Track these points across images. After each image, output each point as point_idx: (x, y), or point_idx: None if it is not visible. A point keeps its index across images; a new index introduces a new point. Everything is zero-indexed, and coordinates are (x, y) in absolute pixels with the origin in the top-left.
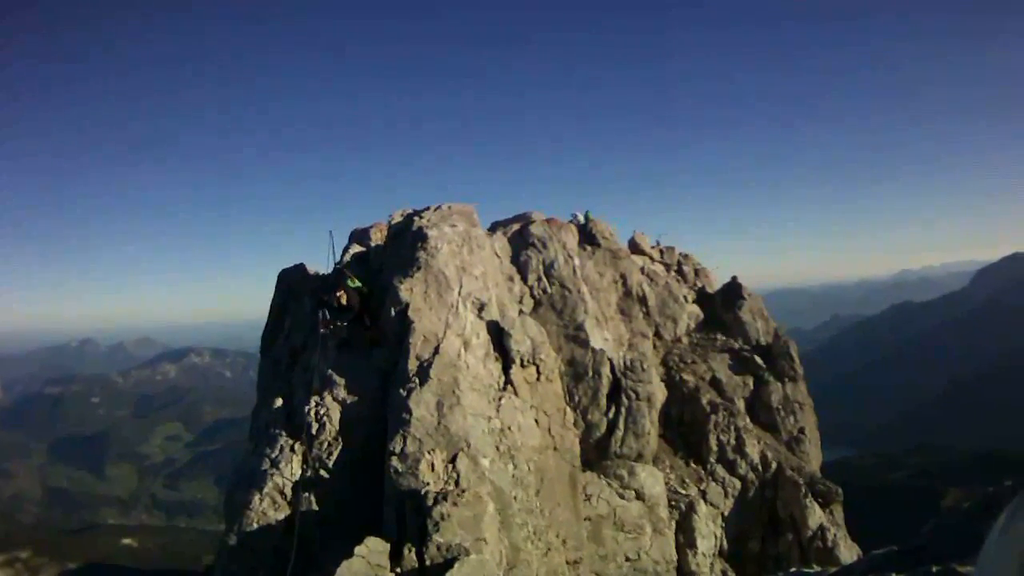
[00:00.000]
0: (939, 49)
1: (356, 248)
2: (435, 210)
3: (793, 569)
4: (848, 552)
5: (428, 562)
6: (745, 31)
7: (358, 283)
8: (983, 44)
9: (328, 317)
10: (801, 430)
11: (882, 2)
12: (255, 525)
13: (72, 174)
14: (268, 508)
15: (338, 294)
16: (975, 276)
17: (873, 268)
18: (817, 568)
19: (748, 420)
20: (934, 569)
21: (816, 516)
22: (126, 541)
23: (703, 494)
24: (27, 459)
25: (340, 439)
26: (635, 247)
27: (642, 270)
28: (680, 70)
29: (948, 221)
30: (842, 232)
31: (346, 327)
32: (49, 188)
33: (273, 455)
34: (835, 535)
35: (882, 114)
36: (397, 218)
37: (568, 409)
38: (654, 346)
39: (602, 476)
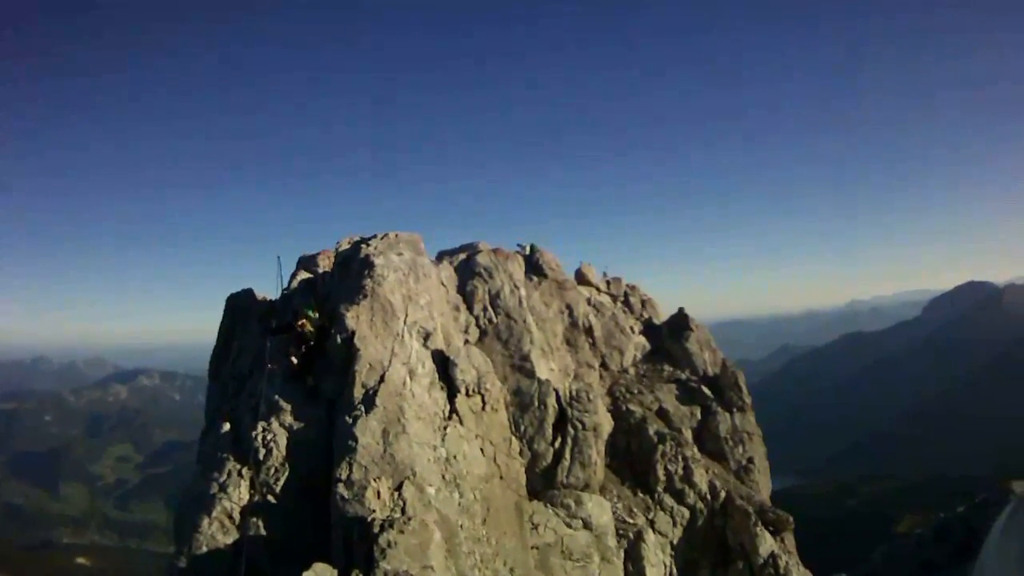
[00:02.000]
0: (882, 65)
1: (304, 274)
2: (382, 238)
3: None
4: None
5: None
6: (691, 45)
7: (316, 315)
8: (936, 60)
9: (279, 345)
10: (750, 459)
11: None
12: (204, 549)
13: (27, 191)
14: (217, 532)
15: (301, 323)
16: (927, 305)
17: (822, 298)
18: None
19: (696, 450)
20: None
21: (767, 544)
22: (80, 560)
23: (651, 523)
24: None
25: (287, 465)
26: (581, 278)
27: (588, 301)
28: (618, 94)
29: (900, 250)
30: (790, 262)
31: (304, 356)
32: (3, 204)
33: (221, 479)
34: (787, 563)
35: (831, 143)
36: (344, 245)
37: (514, 439)
38: (600, 377)
39: (549, 505)
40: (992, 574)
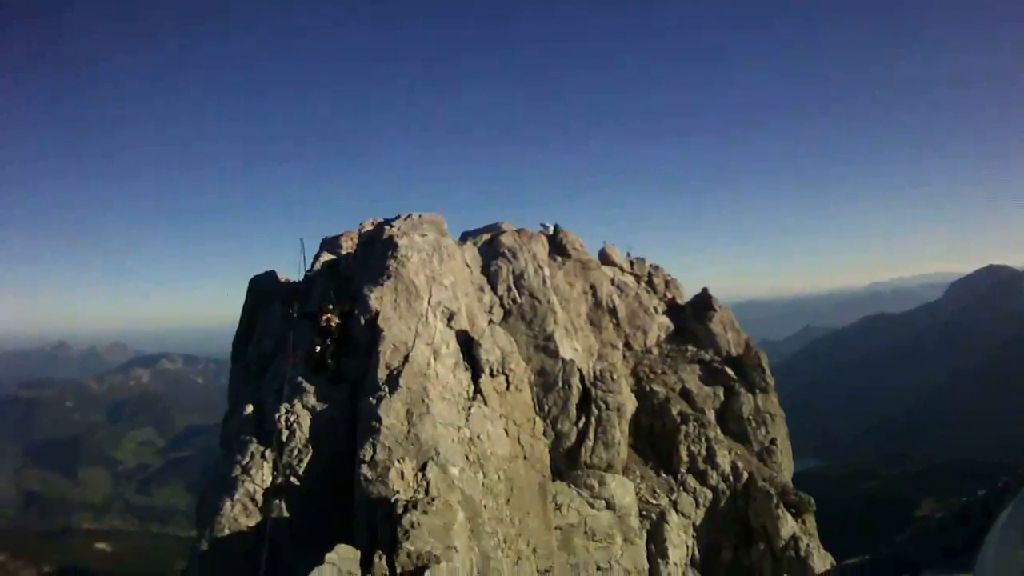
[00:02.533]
0: (911, 57)
1: (326, 256)
2: (405, 219)
3: None
4: (821, 562)
5: (399, 569)
6: (736, 33)
7: (336, 318)
8: (959, 52)
9: (302, 332)
10: (772, 441)
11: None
12: (227, 531)
13: (45, 178)
14: (239, 514)
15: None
16: (949, 288)
17: (845, 280)
18: None
19: (719, 431)
20: None
21: (788, 526)
22: (100, 546)
23: (674, 504)
24: (2, 461)
25: (310, 446)
26: (605, 258)
27: (612, 281)
28: (651, 77)
29: (922, 234)
30: (813, 244)
31: (327, 350)
32: (21, 191)
33: (244, 462)
34: (808, 545)
35: (857, 126)
36: (368, 226)
37: (538, 419)
38: (624, 357)
39: (572, 486)
40: (993, 572)
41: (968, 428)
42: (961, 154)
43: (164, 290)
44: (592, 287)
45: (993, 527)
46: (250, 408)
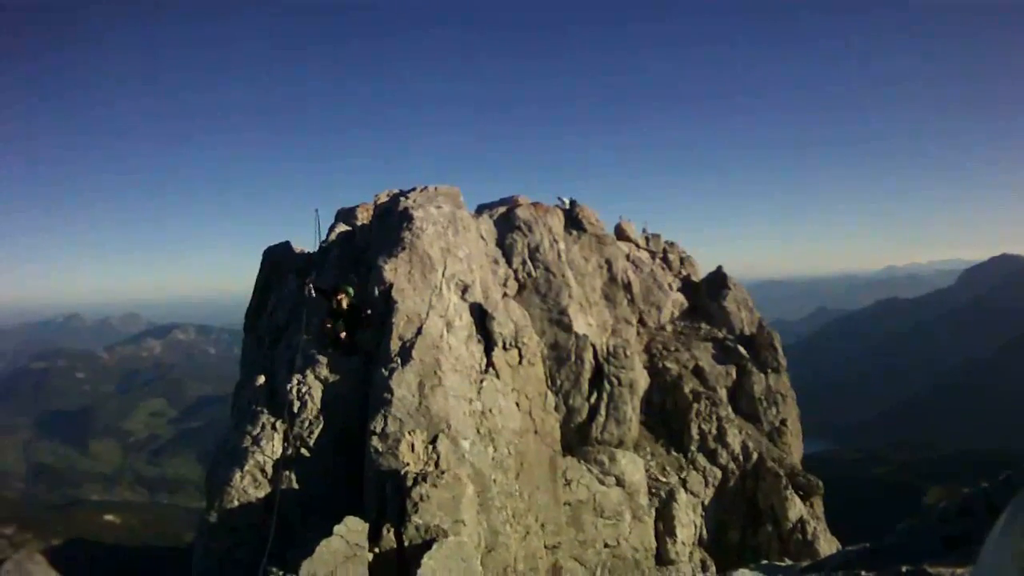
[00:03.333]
0: (932, 44)
1: (341, 227)
2: (421, 191)
3: (765, 561)
4: (828, 546)
5: (406, 543)
6: (746, 20)
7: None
8: (979, 41)
9: (316, 309)
10: (783, 422)
11: None
12: (236, 503)
13: (58, 149)
14: (249, 486)
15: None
16: (962, 275)
17: (859, 263)
18: (789, 562)
19: (730, 410)
20: (904, 569)
21: (796, 509)
22: (109, 517)
23: (683, 482)
24: (12, 434)
25: (322, 418)
26: (621, 234)
27: (627, 257)
28: (669, 57)
29: (937, 220)
30: (828, 225)
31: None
32: (35, 163)
33: (255, 433)
34: (815, 528)
35: (874, 109)
36: (383, 198)
37: (549, 393)
38: (638, 333)
39: (582, 461)
40: (992, 573)
41: (979, 417)
42: (982, 142)
43: (180, 261)
44: (607, 262)
45: (994, 526)
46: (262, 379)
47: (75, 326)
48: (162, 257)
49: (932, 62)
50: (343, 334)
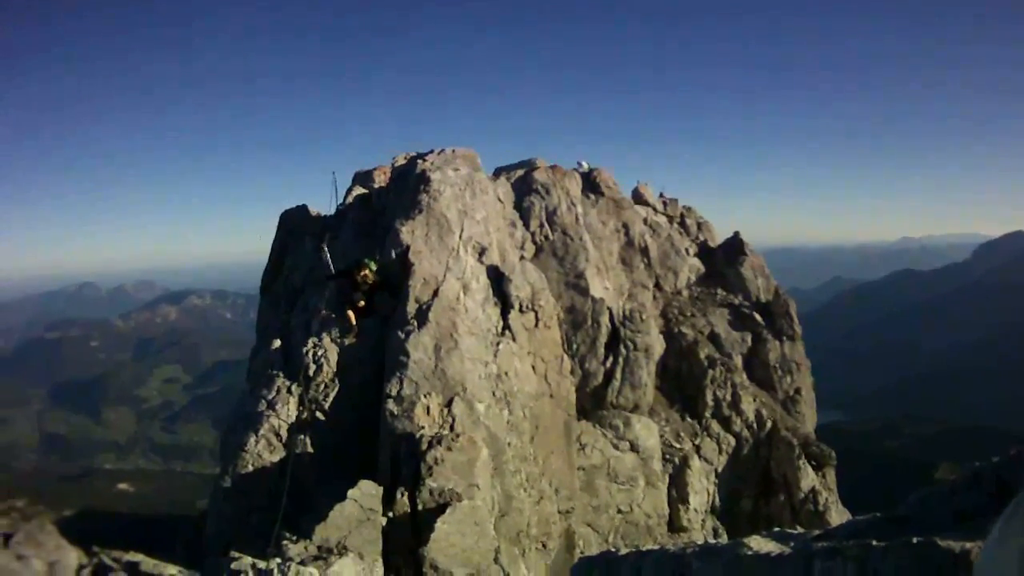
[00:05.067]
0: (950, 19)
1: (359, 190)
2: (438, 153)
3: (776, 528)
4: (839, 517)
5: (420, 507)
6: None
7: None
8: (998, 20)
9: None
10: (797, 390)
11: None
12: (250, 467)
13: (69, 115)
14: (263, 450)
15: (363, 274)
16: (977, 250)
17: (874, 233)
18: (801, 530)
19: (745, 377)
20: (914, 540)
21: (809, 478)
22: (122, 486)
23: (697, 449)
24: (25, 406)
25: (337, 381)
26: (638, 198)
27: (645, 221)
28: (685, 22)
29: (953, 193)
30: (844, 195)
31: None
32: (46, 130)
33: (270, 396)
34: (827, 499)
35: (897, 82)
36: (400, 161)
37: (565, 357)
38: (654, 297)
39: (597, 426)
40: (992, 574)
41: (991, 392)
42: (1001, 115)
43: (196, 227)
44: (624, 226)
45: (994, 526)
46: (278, 342)
47: (89, 295)
48: (178, 223)
49: (950, 32)
50: (361, 303)
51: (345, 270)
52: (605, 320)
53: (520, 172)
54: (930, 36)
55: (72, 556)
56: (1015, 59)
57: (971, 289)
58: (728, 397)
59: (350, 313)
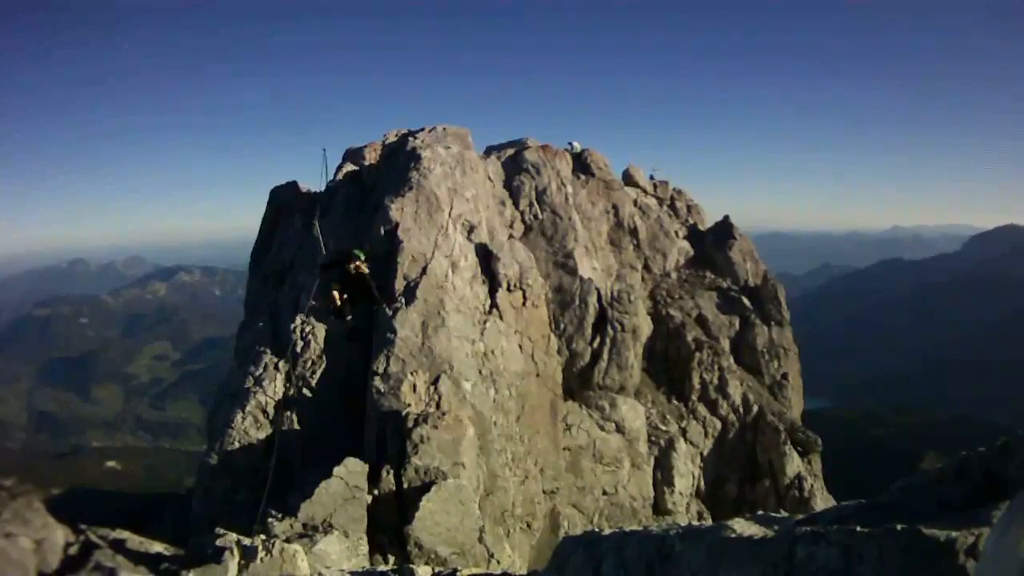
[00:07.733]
0: (943, 11)
1: (349, 167)
2: (429, 131)
3: (761, 512)
4: (824, 503)
5: (406, 485)
6: None
7: (365, 267)
8: (993, 11)
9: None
10: (784, 375)
11: None
12: (236, 444)
13: (60, 94)
14: (250, 427)
15: (355, 265)
16: (968, 241)
17: (865, 221)
18: (785, 514)
19: (732, 360)
20: (899, 528)
21: (794, 464)
22: (110, 464)
23: (683, 432)
24: (15, 383)
25: (324, 358)
26: (629, 179)
27: (635, 202)
28: (681, 6)
29: (946, 184)
30: (836, 180)
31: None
32: (35, 107)
33: (257, 373)
34: (812, 485)
35: (887, 71)
36: (391, 138)
37: (552, 336)
38: (642, 279)
39: (583, 406)
40: (992, 574)
41: (976, 385)
42: (995, 108)
43: (186, 204)
44: (614, 207)
45: (993, 527)
46: (266, 319)
47: (79, 271)
48: (168, 200)
49: (943, 25)
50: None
51: (337, 260)
52: (593, 300)
53: (511, 151)
54: (926, 27)
55: (60, 534)
56: (1012, 51)
57: (961, 280)
58: (715, 380)
59: (335, 293)
